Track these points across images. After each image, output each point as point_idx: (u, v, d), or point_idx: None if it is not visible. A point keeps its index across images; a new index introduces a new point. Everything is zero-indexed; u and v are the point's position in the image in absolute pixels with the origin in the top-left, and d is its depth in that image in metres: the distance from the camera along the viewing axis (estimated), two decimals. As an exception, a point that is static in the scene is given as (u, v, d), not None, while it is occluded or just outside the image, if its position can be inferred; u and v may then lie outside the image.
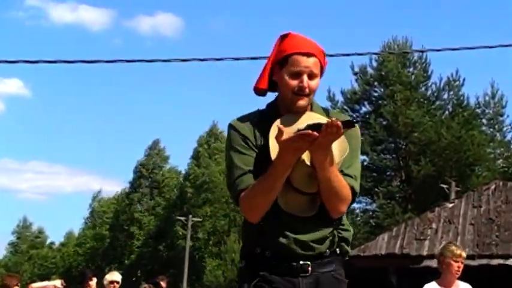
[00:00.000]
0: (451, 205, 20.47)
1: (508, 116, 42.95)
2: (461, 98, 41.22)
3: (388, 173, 41.03)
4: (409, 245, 18.88)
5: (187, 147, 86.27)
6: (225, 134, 3.28)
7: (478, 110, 42.05)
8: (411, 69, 41.02)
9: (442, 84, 41.06)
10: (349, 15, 62.18)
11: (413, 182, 38.97)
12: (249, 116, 3.27)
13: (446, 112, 40.95)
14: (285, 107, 3.20)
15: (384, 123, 39.53)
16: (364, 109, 41.52)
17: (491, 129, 43.07)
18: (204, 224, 54.70)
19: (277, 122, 3.09)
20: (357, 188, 3.24)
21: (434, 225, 19.44)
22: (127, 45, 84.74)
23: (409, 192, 39.63)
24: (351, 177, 3.21)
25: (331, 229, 3.25)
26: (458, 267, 6.62)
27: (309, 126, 2.95)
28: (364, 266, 18.70)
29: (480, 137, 39.07)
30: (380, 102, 40.50)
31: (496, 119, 42.87)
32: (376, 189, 38.59)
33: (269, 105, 3.30)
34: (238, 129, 3.22)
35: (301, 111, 3.18)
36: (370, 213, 40.20)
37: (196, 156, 59.44)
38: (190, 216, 51.16)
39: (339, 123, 2.90)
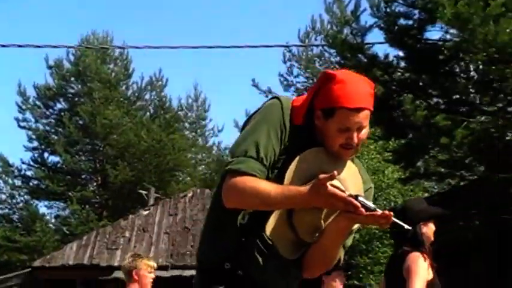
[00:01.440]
0: (146, 213, 20.66)
1: (210, 120, 44.46)
2: (164, 99, 41.97)
3: (83, 177, 40.65)
4: (100, 255, 18.75)
5: None
6: None
7: (181, 113, 43.06)
8: (111, 66, 41.00)
9: (144, 84, 41.52)
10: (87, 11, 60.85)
11: (110, 187, 38.94)
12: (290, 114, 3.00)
13: (148, 114, 41.46)
14: (323, 143, 2.99)
15: (81, 122, 39.08)
16: (59, 106, 40.73)
17: (194, 134, 44.32)
18: None
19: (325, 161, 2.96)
20: (341, 260, 3.18)
21: (127, 234, 19.50)
22: None
23: (105, 197, 39.56)
24: (343, 248, 3.15)
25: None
26: (152, 278, 6.88)
27: (362, 204, 2.80)
28: (49, 278, 18.25)
29: (181, 142, 40.01)
30: (77, 100, 40.01)
31: (198, 123, 44.18)
32: (69, 194, 38.03)
33: (304, 118, 3.00)
34: (284, 117, 2.97)
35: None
36: (63, 219, 39.51)
37: None
38: None
39: (392, 220, 2.81)
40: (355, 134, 2.93)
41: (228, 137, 51.35)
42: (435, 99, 12.35)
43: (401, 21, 12.06)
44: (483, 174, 12.66)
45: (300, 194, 2.82)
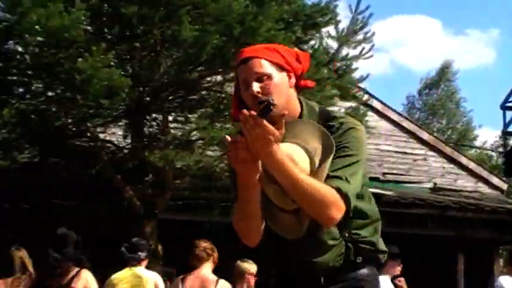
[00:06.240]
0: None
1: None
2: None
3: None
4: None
5: None
6: None
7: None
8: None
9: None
10: None
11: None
12: None
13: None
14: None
15: None
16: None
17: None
18: None
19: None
20: (347, 188, 2.89)
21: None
22: None
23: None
24: (338, 178, 2.90)
25: (336, 241, 3.04)
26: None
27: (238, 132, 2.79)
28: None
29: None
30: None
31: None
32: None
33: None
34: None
35: (287, 120, 2.79)
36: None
37: None
38: None
39: (252, 113, 2.64)
40: (254, 84, 2.93)
41: None
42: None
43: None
44: (35, 157, 12.71)
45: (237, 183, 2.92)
